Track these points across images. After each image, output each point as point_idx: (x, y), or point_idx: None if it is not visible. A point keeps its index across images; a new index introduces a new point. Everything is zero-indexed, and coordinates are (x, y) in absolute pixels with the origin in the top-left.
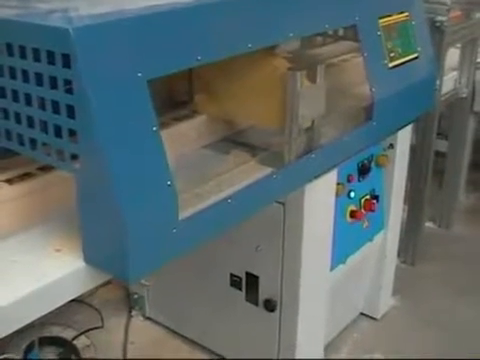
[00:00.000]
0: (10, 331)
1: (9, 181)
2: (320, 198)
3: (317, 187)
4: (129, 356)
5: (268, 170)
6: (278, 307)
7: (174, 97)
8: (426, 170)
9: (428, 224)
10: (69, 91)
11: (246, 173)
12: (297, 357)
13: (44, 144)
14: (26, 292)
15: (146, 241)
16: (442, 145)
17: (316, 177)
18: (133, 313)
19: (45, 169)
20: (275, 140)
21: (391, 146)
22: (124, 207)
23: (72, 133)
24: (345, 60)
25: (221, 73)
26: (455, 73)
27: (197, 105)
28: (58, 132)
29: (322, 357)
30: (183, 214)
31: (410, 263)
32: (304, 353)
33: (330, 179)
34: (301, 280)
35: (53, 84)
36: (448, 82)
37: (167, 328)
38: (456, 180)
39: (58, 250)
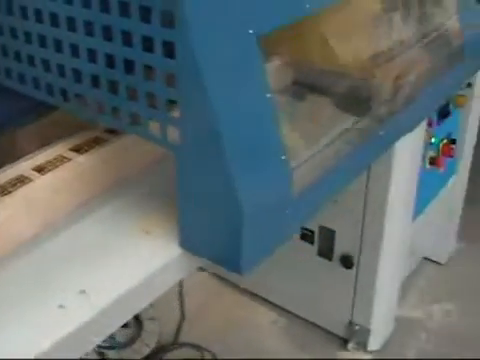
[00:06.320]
0: (113, 331)
1: (77, 150)
2: (408, 146)
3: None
4: (186, 309)
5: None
6: (355, 263)
7: None
8: None
9: None
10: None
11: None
12: (374, 311)
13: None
14: (129, 286)
15: (260, 226)
16: None
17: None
18: None
19: (114, 132)
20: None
21: (469, 85)
22: (238, 185)
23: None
24: None
25: None
26: None
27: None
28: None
29: (395, 310)
30: (296, 191)
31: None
32: (380, 308)
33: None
34: (384, 234)
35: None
36: None
37: (225, 280)
38: None
39: (147, 232)
